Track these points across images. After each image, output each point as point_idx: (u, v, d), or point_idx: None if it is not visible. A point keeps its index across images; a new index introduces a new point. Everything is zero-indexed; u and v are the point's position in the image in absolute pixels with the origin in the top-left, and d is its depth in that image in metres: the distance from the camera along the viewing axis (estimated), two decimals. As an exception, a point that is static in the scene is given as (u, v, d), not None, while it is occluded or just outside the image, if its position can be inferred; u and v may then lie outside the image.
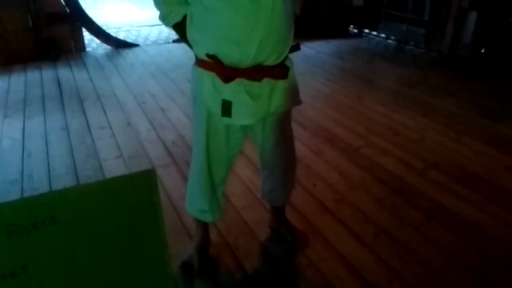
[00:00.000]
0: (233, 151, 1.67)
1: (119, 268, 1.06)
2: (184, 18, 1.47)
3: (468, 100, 3.74)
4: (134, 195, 1.04)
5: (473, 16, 4.47)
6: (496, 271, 1.85)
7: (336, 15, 6.02)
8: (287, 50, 1.51)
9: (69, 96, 3.90)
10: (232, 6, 1.32)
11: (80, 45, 5.37)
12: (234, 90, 1.46)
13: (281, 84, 1.52)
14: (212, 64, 1.44)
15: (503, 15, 4.09)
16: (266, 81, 1.47)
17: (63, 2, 5.05)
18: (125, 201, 1.03)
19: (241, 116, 1.50)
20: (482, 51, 4.26)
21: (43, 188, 2.42)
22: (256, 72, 1.44)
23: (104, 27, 5.56)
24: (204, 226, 1.90)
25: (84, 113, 3.53)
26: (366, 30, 6.17)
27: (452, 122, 3.30)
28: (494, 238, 2.05)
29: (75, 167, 2.69)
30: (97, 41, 5.54)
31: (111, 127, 3.25)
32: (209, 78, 1.48)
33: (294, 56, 1.57)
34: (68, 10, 5.10)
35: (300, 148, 2.88)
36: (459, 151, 2.87)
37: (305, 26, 6.07)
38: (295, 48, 1.56)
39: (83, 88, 4.11)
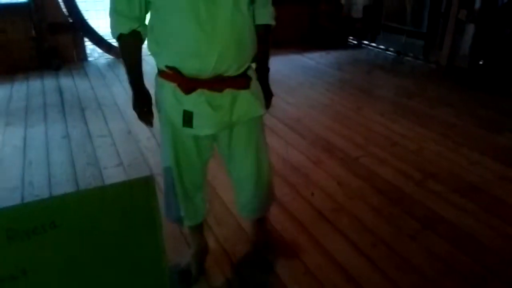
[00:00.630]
0: (205, 156, 1.66)
1: (117, 272, 1.07)
2: (131, 33, 1.44)
3: (466, 111, 3.76)
4: (132, 201, 1.06)
5: (470, 28, 4.53)
6: (492, 280, 1.86)
7: (335, 26, 6.09)
8: (249, 61, 1.51)
9: (70, 105, 3.94)
10: (190, 19, 1.32)
11: (82, 55, 5.42)
12: (195, 101, 1.45)
13: (243, 94, 1.51)
14: (173, 75, 1.44)
15: (500, 27, 4.13)
16: (227, 92, 1.47)
17: (65, 12, 5.11)
18: (124, 207, 1.05)
19: (203, 127, 1.49)
20: (480, 62, 4.30)
21: (43, 195, 2.44)
22: (217, 83, 1.44)
23: (106, 37, 5.60)
24: (198, 233, 1.90)
25: (85, 121, 3.56)
26: (365, 42, 6.23)
27: (450, 132, 3.32)
28: (491, 248, 2.05)
29: (75, 175, 2.71)
30: (99, 50, 5.59)
31: (111, 136, 3.28)
32: (170, 89, 1.47)
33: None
34: (70, 20, 5.16)
35: (298, 158, 2.91)
36: (457, 161, 2.88)
37: (305, 37, 6.15)
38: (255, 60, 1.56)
39: (85, 97, 4.15)
